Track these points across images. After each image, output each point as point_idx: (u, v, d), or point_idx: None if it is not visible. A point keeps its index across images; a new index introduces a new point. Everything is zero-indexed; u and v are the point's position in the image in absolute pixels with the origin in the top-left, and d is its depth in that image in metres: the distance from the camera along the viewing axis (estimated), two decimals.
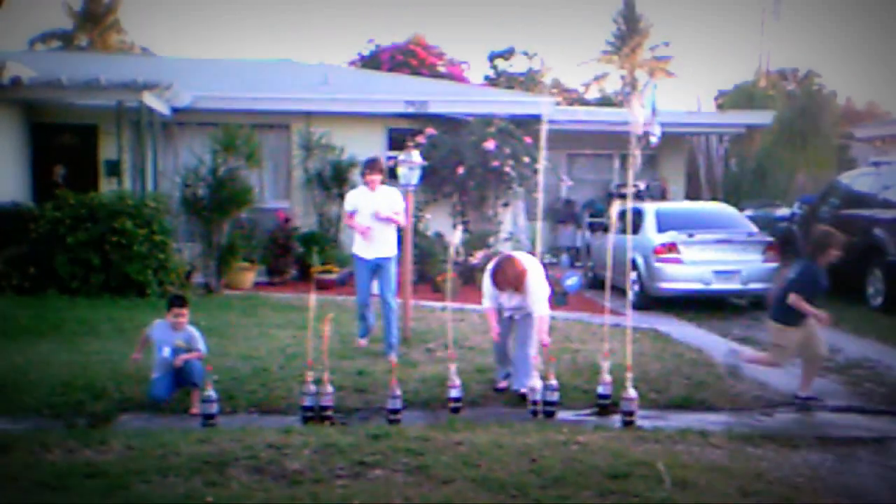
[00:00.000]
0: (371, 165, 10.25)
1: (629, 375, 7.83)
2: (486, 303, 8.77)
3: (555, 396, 7.96)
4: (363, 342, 10.45)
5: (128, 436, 6.90)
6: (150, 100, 14.69)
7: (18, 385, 8.26)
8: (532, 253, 15.98)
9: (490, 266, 8.82)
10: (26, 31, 41.83)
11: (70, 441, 6.73)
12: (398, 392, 7.60)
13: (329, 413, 7.58)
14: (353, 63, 32.99)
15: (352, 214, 10.28)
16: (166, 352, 7.96)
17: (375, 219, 10.13)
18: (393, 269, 10.34)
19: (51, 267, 12.90)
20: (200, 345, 8.05)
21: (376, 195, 10.18)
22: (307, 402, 7.60)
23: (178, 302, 8.20)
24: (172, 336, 8.03)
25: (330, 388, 7.67)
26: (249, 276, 15.27)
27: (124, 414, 7.72)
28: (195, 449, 6.56)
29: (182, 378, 7.93)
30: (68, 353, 9.65)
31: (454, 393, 7.96)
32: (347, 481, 6.04)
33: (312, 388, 7.65)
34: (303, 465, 6.26)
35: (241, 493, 5.75)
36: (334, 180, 17.25)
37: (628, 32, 44.93)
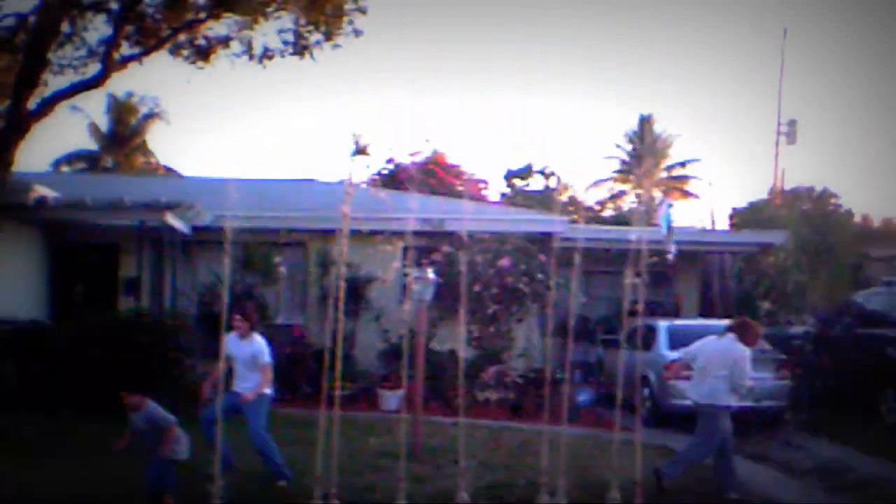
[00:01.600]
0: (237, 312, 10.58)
1: (639, 491, 7.84)
2: None
3: None
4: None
5: None
6: (171, 219, 15.04)
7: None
8: (542, 369, 16.05)
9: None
10: (52, 153, 42.80)
11: None
12: None
13: None
14: (372, 182, 33.54)
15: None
16: None
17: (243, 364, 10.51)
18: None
19: (67, 385, 13.02)
20: None
21: (242, 342, 10.52)
22: None
23: None
24: None
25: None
26: None
27: None
28: None
29: None
30: (79, 470, 9.72)
31: None
32: None
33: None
34: None
35: None
36: (350, 296, 17.43)
37: (644, 151, 45.55)
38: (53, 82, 13.52)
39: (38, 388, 12.38)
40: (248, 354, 10.48)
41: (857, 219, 37.16)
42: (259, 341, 10.62)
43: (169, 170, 44.02)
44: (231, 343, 10.36)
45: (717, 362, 9.75)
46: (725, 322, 17.32)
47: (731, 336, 9.92)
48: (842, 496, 9.84)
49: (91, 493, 8.69)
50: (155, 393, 12.99)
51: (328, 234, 17.78)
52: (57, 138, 55.09)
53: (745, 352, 9.72)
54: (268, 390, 10.59)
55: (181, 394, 13.52)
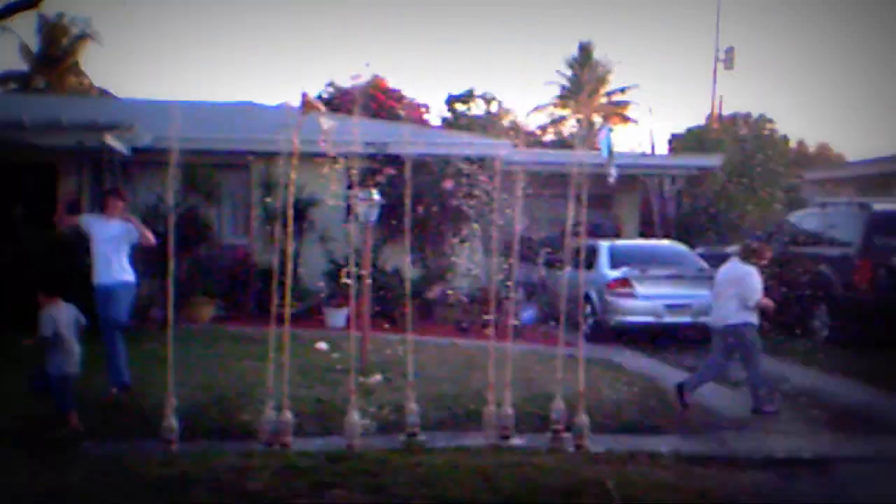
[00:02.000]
0: (115, 194, 10.70)
1: (581, 401, 8.09)
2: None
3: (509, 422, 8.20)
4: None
5: (92, 460, 7.02)
6: (111, 140, 14.81)
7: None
8: (487, 289, 16.27)
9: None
10: None
11: (35, 465, 6.84)
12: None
13: (288, 439, 7.74)
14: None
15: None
16: None
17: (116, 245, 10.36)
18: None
19: (6, 303, 12.91)
20: None
21: (113, 223, 10.42)
22: (267, 428, 7.76)
23: None
24: None
25: (289, 415, 7.84)
26: (207, 310, 15.38)
27: (87, 440, 7.81)
28: (158, 471, 6.71)
29: None
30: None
31: (412, 418, 8.16)
32: (307, 501, 6.21)
33: (272, 414, 7.81)
34: (263, 486, 6.44)
35: None
36: (294, 217, 17.40)
37: (584, 77, 45.66)
38: None
39: None
40: (116, 234, 10.36)
41: (794, 144, 37.89)
42: (130, 224, 10.54)
43: (103, 91, 43.19)
44: (94, 224, 10.46)
45: (726, 283, 10.06)
46: (664, 242, 17.83)
47: (736, 259, 10.31)
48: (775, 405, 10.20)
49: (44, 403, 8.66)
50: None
51: (271, 156, 17.65)
52: None
53: (751, 269, 10.03)
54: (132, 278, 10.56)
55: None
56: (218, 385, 9.85)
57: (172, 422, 7.55)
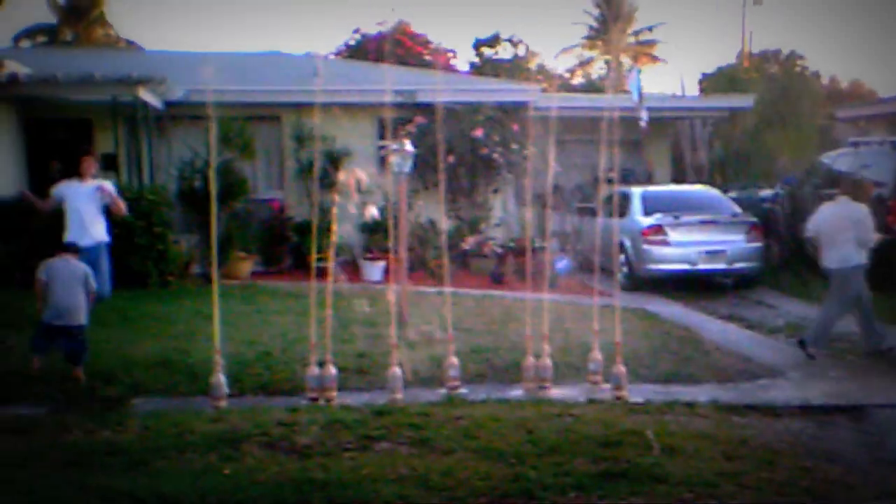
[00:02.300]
0: (88, 157, 11.09)
1: (618, 351, 8.22)
2: None
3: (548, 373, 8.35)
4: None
5: (143, 417, 7.24)
6: (144, 94, 14.94)
7: (31, 373, 8.54)
8: (520, 239, 16.37)
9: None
10: (11, 27, 41.94)
11: (89, 423, 7.06)
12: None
13: (332, 393, 7.93)
14: (339, 53, 33.18)
15: (58, 201, 10.79)
16: None
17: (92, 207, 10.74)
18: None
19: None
20: None
21: (88, 185, 10.80)
22: (312, 383, 7.94)
23: None
24: None
25: (333, 370, 8.02)
26: (247, 266, 15.57)
27: (136, 398, 8.03)
28: (208, 427, 6.90)
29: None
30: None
31: (452, 371, 8.32)
32: (355, 453, 6.40)
33: (316, 370, 7.99)
34: (312, 440, 6.61)
35: (255, 467, 6.10)
36: (327, 170, 17.53)
37: (610, 17, 45.18)
38: None
39: (24, 265, 12.46)
40: (91, 193, 10.72)
41: (825, 81, 37.40)
42: (106, 183, 10.92)
43: (130, 42, 43.29)
44: (67, 188, 10.74)
45: (840, 225, 9.98)
46: (696, 187, 17.79)
47: (844, 199, 10.19)
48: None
49: (93, 362, 8.90)
50: (142, 266, 13.35)
51: (302, 107, 17.75)
52: (15, 12, 53.67)
53: (865, 209, 10.00)
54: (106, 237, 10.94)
55: (167, 266, 13.79)
56: (261, 341, 10.04)
57: (220, 378, 7.74)
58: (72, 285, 8.72)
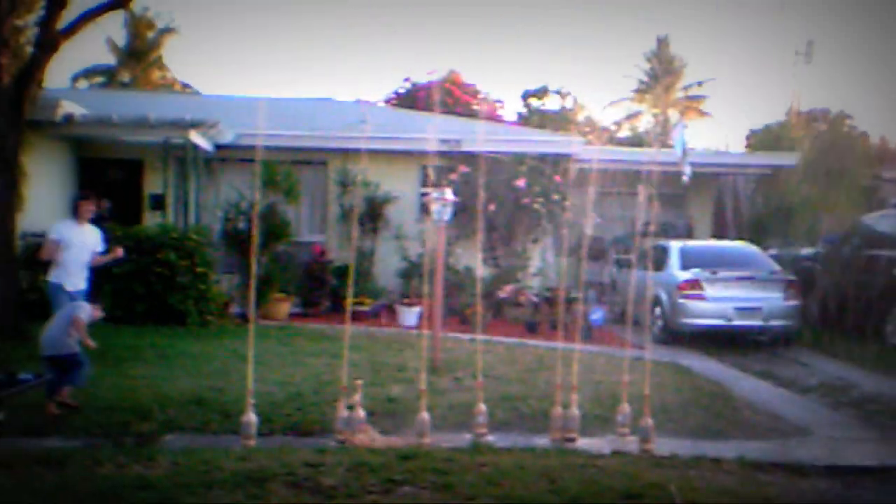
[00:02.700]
0: (87, 199, 10.59)
1: (647, 404, 8.25)
2: None
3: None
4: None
5: (174, 453, 7.38)
6: (195, 137, 15.34)
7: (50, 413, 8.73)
8: (558, 289, 16.45)
9: None
10: (70, 67, 43.08)
11: (120, 457, 7.22)
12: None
13: (361, 436, 8.04)
14: (389, 100, 33.65)
15: (58, 244, 10.32)
16: None
17: (87, 252, 10.46)
18: None
19: (96, 296, 13.42)
20: None
21: (86, 229, 10.50)
22: (341, 425, 8.06)
23: None
24: None
25: (362, 413, 8.14)
26: (285, 307, 15.80)
27: (169, 434, 8.18)
28: (236, 466, 7.03)
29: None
30: (114, 377, 10.14)
31: (480, 418, 8.40)
32: (378, 496, 6.48)
33: (345, 412, 8.11)
34: (337, 482, 6.71)
35: None
36: (369, 215, 17.79)
37: (661, 72, 45.39)
38: (82, 2, 13.71)
39: None
40: (92, 242, 10.53)
41: (875, 141, 37.15)
42: (98, 231, 10.74)
43: (185, 85, 44.23)
44: (68, 230, 10.40)
45: None
46: (736, 243, 17.77)
47: None
48: (844, 412, 10.24)
49: (129, 397, 9.10)
50: (182, 305, 13.61)
51: (348, 152, 18.06)
52: (75, 52, 54.96)
53: None
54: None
55: (207, 306, 14.04)
56: (294, 382, 10.18)
57: (251, 417, 7.89)
58: (59, 317, 8.97)
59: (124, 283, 13.69)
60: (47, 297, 10.38)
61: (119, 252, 10.92)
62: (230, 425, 8.28)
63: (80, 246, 10.32)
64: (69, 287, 10.22)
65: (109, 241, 12.33)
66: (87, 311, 8.95)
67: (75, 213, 10.45)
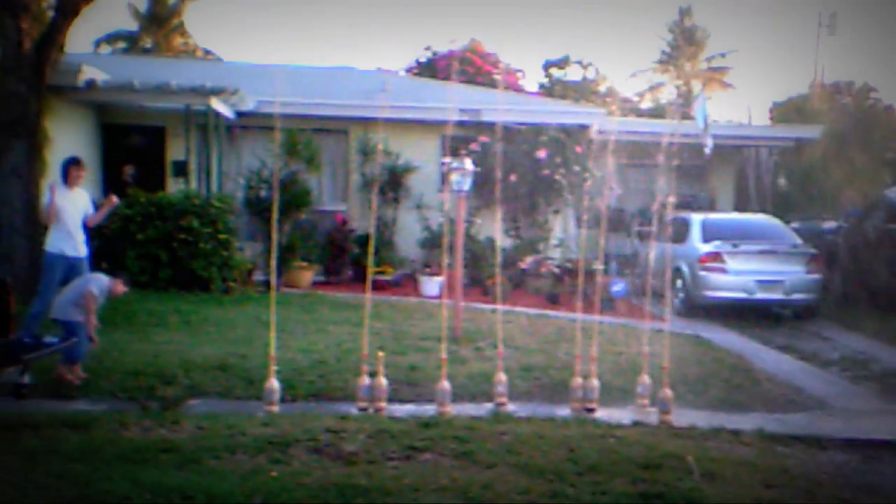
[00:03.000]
0: (78, 164, 10.37)
1: (666, 376, 8.28)
2: None
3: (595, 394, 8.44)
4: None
5: (198, 418, 7.47)
6: (216, 104, 15.37)
7: (94, 370, 8.86)
8: (579, 260, 16.44)
9: None
10: (92, 33, 43.24)
11: (145, 421, 7.32)
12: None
13: (383, 404, 8.11)
14: (410, 70, 33.54)
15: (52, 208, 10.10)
16: None
17: (80, 215, 10.26)
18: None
19: (121, 262, 13.56)
20: None
21: (76, 193, 10.32)
22: (362, 392, 8.13)
23: None
24: None
25: (384, 381, 8.20)
26: (308, 276, 15.89)
27: (193, 399, 8.28)
28: (259, 431, 7.11)
29: None
30: (139, 343, 10.27)
31: (500, 388, 8.46)
32: (399, 463, 6.56)
33: (367, 380, 8.18)
34: (358, 448, 6.78)
35: (301, 471, 6.29)
36: (390, 185, 17.82)
37: (683, 42, 45.06)
38: None
39: (96, 264, 12.91)
40: (84, 205, 10.37)
41: None
42: (88, 196, 10.60)
43: (207, 52, 44.22)
44: (61, 195, 10.17)
45: None
46: (758, 216, 17.72)
47: None
48: (865, 385, 10.25)
49: (154, 362, 9.21)
50: (206, 271, 13.73)
51: (369, 121, 18.07)
52: (97, 17, 54.99)
53: None
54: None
55: (231, 272, 14.14)
56: (317, 350, 10.25)
57: (274, 384, 7.97)
58: (75, 285, 9.07)
59: (148, 249, 13.79)
60: (43, 265, 10.24)
61: (113, 199, 10.71)
62: (253, 391, 8.38)
63: (72, 210, 10.17)
64: (69, 252, 10.13)
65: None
66: (102, 286, 8.90)
67: (65, 178, 10.27)
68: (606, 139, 19.43)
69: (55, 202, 10.05)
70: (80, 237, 10.30)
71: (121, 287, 9.13)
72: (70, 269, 10.07)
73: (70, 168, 10.28)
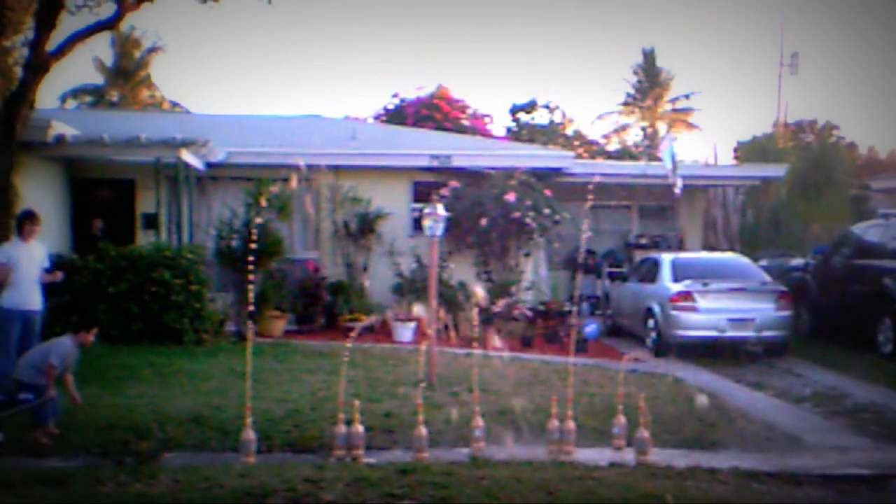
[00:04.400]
0: (32, 218, 10.31)
1: (642, 416, 8.33)
2: None
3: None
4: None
5: (174, 471, 7.43)
6: (186, 156, 15.39)
7: (68, 426, 8.78)
8: (552, 303, 16.52)
9: None
10: (58, 87, 43.20)
11: (121, 476, 7.28)
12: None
13: (360, 452, 8.09)
14: (378, 117, 33.74)
15: (7, 265, 9.99)
16: None
17: (36, 270, 10.20)
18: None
19: (92, 315, 13.45)
20: None
21: (32, 247, 10.26)
22: (339, 441, 8.11)
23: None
24: None
25: (360, 429, 8.19)
26: (280, 324, 15.84)
27: (168, 452, 8.22)
28: (237, 482, 7.09)
29: None
30: (112, 397, 10.20)
31: (477, 432, 8.46)
32: None
33: (343, 428, 8.16)
34: (336, 497, 6.78)
35: None
36: (361, 231, 17.87)
37: (648, 85, 45.61)
38: (70, 23, 13.80)
39: (66, 320, 12.81)
40: (39, 259, 10.28)
41: (863, 151, 37.49)
42: (43, 248, 10.53)
43: (174, 104, 44.27)
44: (17, 249, 10.13)
45: None
46: (727, 255, 17.89)
47: None
48: (837, 421, 10.33)
49: (128, 416, 9.15)
50: (178, 323, 13.67)
51: (339, 169, 18.19)
52: (63, 72, 54.93)
53: None
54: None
55: (203, 324, 14.09)
56: (291, 399, 10.23)
57: (250, 435, 7.94)
58: (39, 350, 9.00)
59: (119, 302, 13.71)
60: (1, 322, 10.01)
61: (58, 276, 10.69)
62: (229, 443, 8.35)
63: (28, 264, 10.07)
64: (24, 307, 10.02)
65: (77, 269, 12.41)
66: (63, 352, 8.80)
67: (20, 232, 10.21)
68: (576, 181, 19.71)
69: (10, 258, 9.98)
70: (36, 291, 10.20)
71: (88, 337, 9.09)
72: (26, 322, 10.01)
73: (24, 222, 10.23)
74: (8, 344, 9.88)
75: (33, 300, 10.16)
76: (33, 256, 10.21)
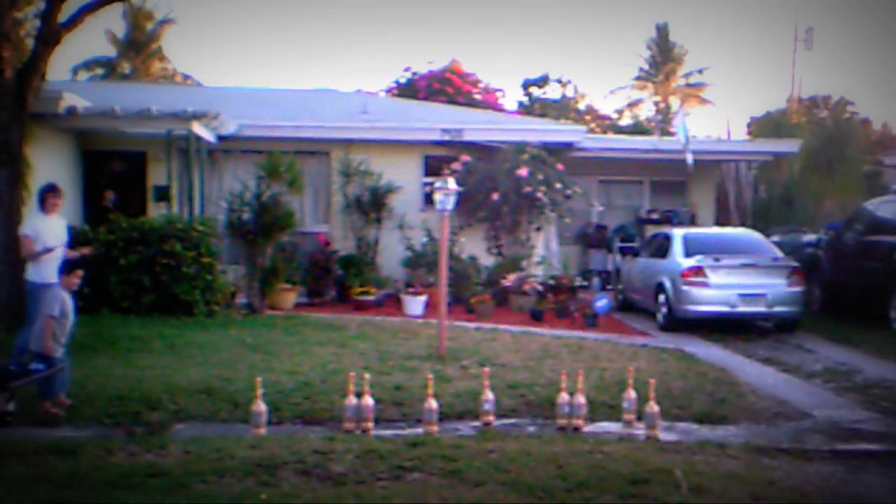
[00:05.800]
0: (55, 191, 10.26)
1: (652, 391, 8.32)
2: None
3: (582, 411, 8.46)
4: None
5: (184, 442, 7.46)
6: (198, 128, 15.37)
7: (79, 397, 8.82)
8: (563, 277, 16.49)
9: None
10: (70, 59, 43.18)
11: (132, 446, 7.31)
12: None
13: (369, 424, 8.11)
14: (390, 90, 33.67)
15: (32, 239, 9.97)
16: None
17: (59, 243, 10.12)
18: None
19: (104, 287, 13.52)
20: None
21: (54, 220, 10.22)
22: (349, 413, 8.12)
23: None
24: None
25: (370, 401, 8.20)
26: (291, 297, 15.87)
27: (179, 423, 8.26)
28: (247, 453, 7.10)
29: None
30: (123, 368, 10.22)
31: (487, 406, 8.47)
32: (387, 483, 6.57)
33: (354, 400, 8.17)
34: (346, 469, 6.79)
35: (291, 493, 6.29)
36: (372, 205, 17.85)
37: (661, 59, 45.37)
38: None
39: (78, 291, 12.85)
40: (62, 233, 10.26)
41: (877, 127, 37.24)
42: (63, 220, 10.50)
43: (186, 76, 44.26)
44: (41, 223, 10.09)
45: None
46: (738, 230, 17.82)
47: None
48: (848, 396, 10.31)
49: (139, 387, 9.18)
50: (189, 295, 13.70)
51: (350, 143, 18.17)
52: (75, 44, 54.90)
53: None
54: None
55: (214, 296, 14.12)
56: (302, 371, 10.23)
57: (261, 407, 7.96)
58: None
59: (131, 274, 13.74)
60: (27, 296, 10.00)
61: (85, 251, 10.69)
62: (240, 414, 8.37)
63: (51, 238, 10.04)
64: (52, 279, 9.76)
65: (88, 241, 12.43)
66: (56, 299, 8.77)
67: (42, 205, 10.18)
68: (588, 156, 19.65)
69: (34, 231, 9.96)
70: (55, 265, 9.99)
71: (73, 280, 9.00)
72: (54, 296, 9.97)
73: (47, 195, 10.19)
74: (32, 318, 9.87)
75: (55, 274, 10.14)
76: (56, 230, 10.19)
